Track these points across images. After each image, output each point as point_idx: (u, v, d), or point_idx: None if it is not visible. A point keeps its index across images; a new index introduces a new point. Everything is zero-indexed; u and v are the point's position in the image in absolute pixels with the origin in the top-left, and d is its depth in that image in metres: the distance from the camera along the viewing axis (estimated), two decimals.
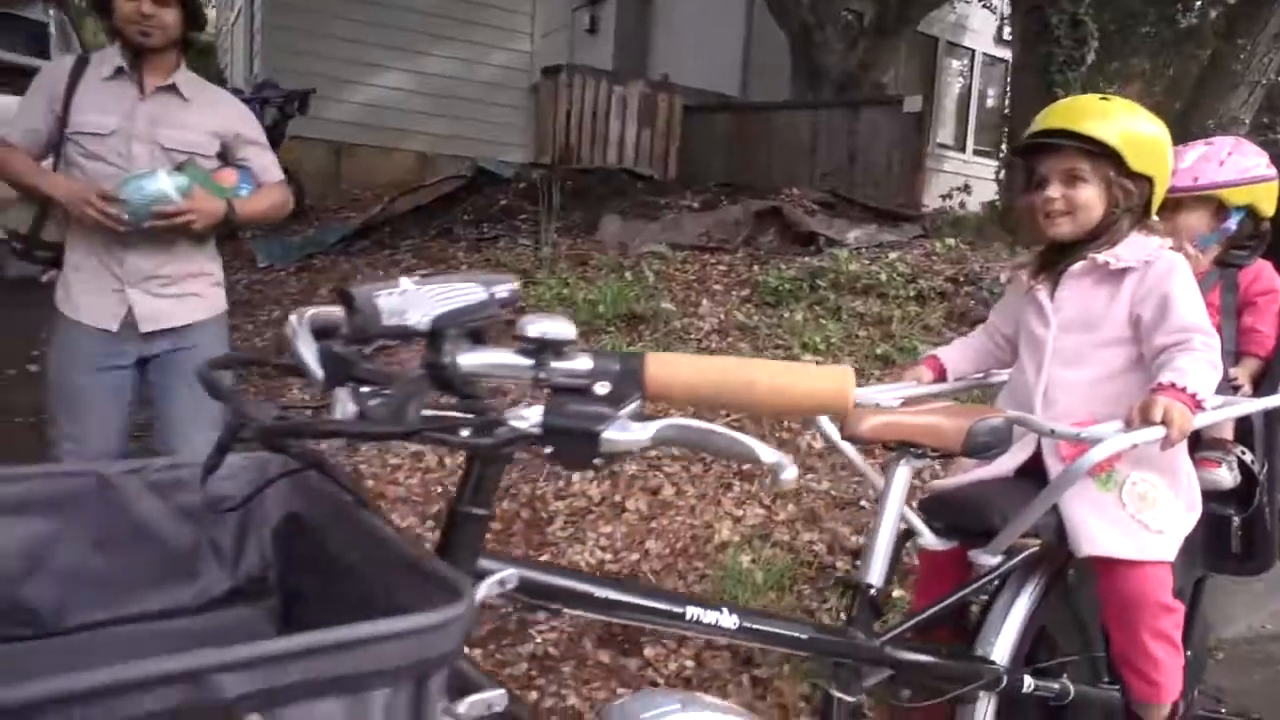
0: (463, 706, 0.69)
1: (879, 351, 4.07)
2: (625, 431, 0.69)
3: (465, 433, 0.70)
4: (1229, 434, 1.74)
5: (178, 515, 1.02)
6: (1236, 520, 1.76)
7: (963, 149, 14.41)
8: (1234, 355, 1.83)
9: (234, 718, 0.54)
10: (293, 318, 0.96)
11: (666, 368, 0.72)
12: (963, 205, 8.43)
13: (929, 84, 14.17)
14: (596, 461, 0.71)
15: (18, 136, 2.12)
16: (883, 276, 4.63)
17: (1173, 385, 1.35)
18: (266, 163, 2.32)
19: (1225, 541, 1.79)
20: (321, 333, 0.95)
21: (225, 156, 2.23)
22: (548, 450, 0.71)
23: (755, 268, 5.12)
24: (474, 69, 9.07)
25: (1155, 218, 1.66)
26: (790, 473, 0.71)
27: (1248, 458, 1.70)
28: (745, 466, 3.38)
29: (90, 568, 0.98)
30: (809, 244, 5.43)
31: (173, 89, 2.16)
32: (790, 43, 9.67)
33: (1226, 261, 1.89)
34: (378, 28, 8.52)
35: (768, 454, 0.70)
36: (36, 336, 4.24)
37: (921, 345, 4.07)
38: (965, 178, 13.82)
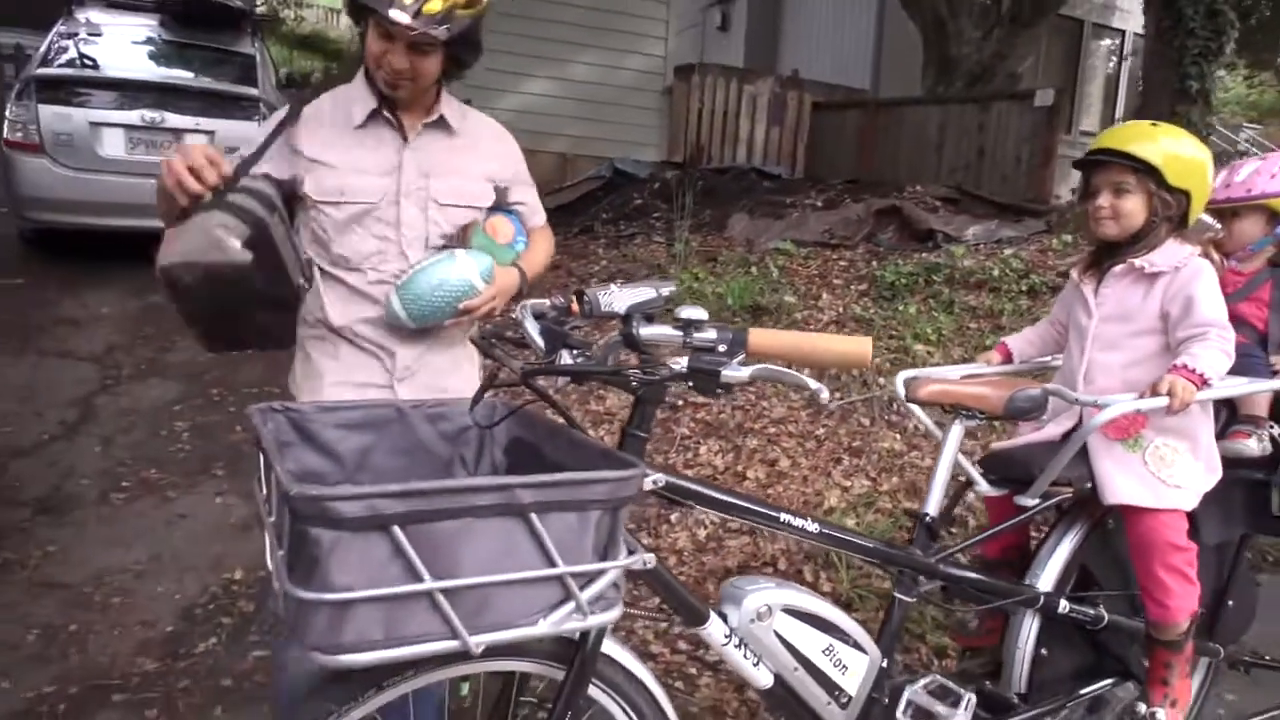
0: (644, 553, 1.18)
1: (988, 343, 4.30)
2: (736, 371, 1.16)
3: (642, 373, 1.18)
4: (1263, 410, 2.02)
5: (441, 437, 1.55)
6: (1277, 488, 2.04)
7: None
8: (1278, 344, 2.10)
9: (524, 514, 1.04)
10: (519, 308, 1.47)
11: (760, 337, 1.18)
12: None
13: (1072, 69, 13.76)
14: (718, 390, 1.17)
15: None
16: (995, 272, 4.86)
17: (1184, 366, 1.68)
18: (535, 202, 1.91)
19: (1265, 505, 2.06)
20: (536, 316, 1.47)
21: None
22: (689, 384, 1.19)
23: (874, 263, 5.43)
24: (612, 73, 9.65)
25: (1208, 218, 1.95)
26: (825, 395, 1.15)
27: (1276, 430, 1.98)
28: (855, 443, 3.77)
29: (390, 468, 1.51)
30: (927, 240, 5.67)
31: (441, 123, 1.74)
32: (922, 34, 9.74)
33: (1277, 263, 2.15)
34: (525, 39, 9.23)
35: (812, 383, 1.15)
36: None
37: None
38: None
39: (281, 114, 1.71)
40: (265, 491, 1.28)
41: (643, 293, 1.21)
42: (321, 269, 1.72)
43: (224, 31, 6.82)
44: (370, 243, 1.68)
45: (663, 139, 10.15)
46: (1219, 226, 2.11)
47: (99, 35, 6.34)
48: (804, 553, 3.19)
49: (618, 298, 1.19)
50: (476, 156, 1.79)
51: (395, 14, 1.51)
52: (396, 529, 0.97)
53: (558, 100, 9.34)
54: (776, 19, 14.90)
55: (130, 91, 5.86)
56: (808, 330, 4.70)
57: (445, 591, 1.00)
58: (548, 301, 1.48)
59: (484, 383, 1.36)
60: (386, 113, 1.69)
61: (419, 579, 0.99)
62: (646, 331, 1.22)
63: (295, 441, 1.44)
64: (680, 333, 1.20)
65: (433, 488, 0.99)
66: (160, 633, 2.74)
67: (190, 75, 6.37)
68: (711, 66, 11.34)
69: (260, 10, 7.42)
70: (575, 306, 1.28)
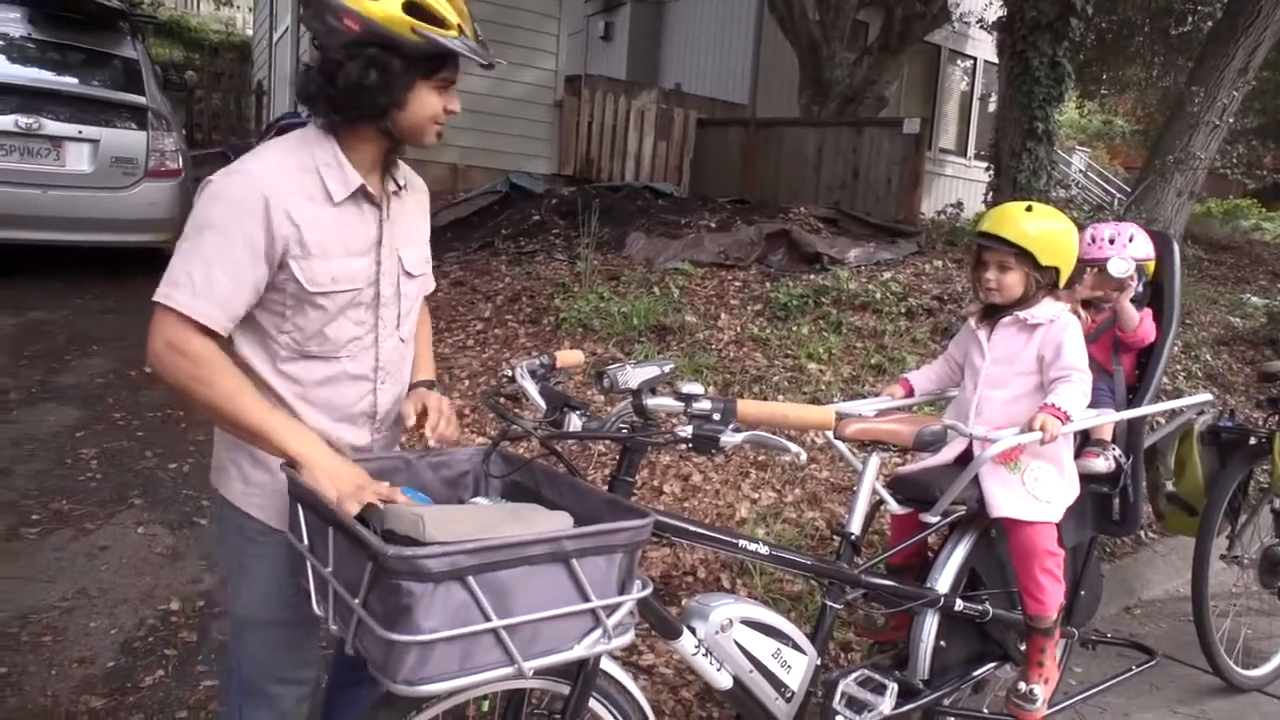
0: (645, 581, 1.40)
1: (873, 361, 4.77)
2: (732, 437, 1.40)
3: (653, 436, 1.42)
4: (1108, 435, 2.46)
5: (443, 482, 1.73)
6: (1118, 497, 2.49)
7: (964, 154, 15.09)
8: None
9: (568, 560, 1.25)
10: (516, 369, 1.68)
11: (746, 407, 1.44)
12: (958, 216, 9.13)
13: (931, 91, 14.87)
14: (714, 450, 1.42)
15: (224, 319, 1.39)
16: (877, 295, 5.33)
17: (1053, 405, 2.07)
18: (427, 264, 1.70)
19: (1109, 511, 2.51)
20: (532, 374, 1.68)
21: None
22: (691, 446, 1.43)
23: (767, 284, 5.82)
24: (505, 85, 9.75)
25: (1124, 263, 2.38)
26: (803, 456, 1.42)
27: (1117, 452, 2.42)
28: (761, 458, 4.10)
29: None
30: (814, 262, 6.12)
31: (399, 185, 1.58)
32: (798, 56, 10.36)
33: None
34: None
35: (793, 447, 1.41)
36: None
37: (910, 356, 4.78)
38: (965, 181, 14.48)
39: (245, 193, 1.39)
40: (306, 541, 1.45)
41: (650, 370, 1.46)
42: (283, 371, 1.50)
43: (100, 32, 6.51)
44: (349, 329, 1.52)
45: (553, 151, 10.34)
46: (1132, 266, 2.49)
47: None
48: (720, 562, 3.49)
49: (632, 376, 1.44)
50: (421, 213, 1.65)
51: (485, 54, 1.43)
52: (471, 578, 1.17)
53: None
54: (658, 31, 15.35)
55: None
56: (708, 349, 5.04)
57: (507, 627, 1.21)
58: (538, 361, 1.70)
59: (496, 438, 1.56)
60: (370, 187, 1.50)
61: (487, 619, 1.19)
62: (652, 402, 1.47)
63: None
64: (681, 404, 1.44)
65: (499, 543, 1.19)
66: (101, 669, 2.74)
67: (68, 79, 6.07)
68: (599, 79, 11.62)
69: (128, 6, 7.02)
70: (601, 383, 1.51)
